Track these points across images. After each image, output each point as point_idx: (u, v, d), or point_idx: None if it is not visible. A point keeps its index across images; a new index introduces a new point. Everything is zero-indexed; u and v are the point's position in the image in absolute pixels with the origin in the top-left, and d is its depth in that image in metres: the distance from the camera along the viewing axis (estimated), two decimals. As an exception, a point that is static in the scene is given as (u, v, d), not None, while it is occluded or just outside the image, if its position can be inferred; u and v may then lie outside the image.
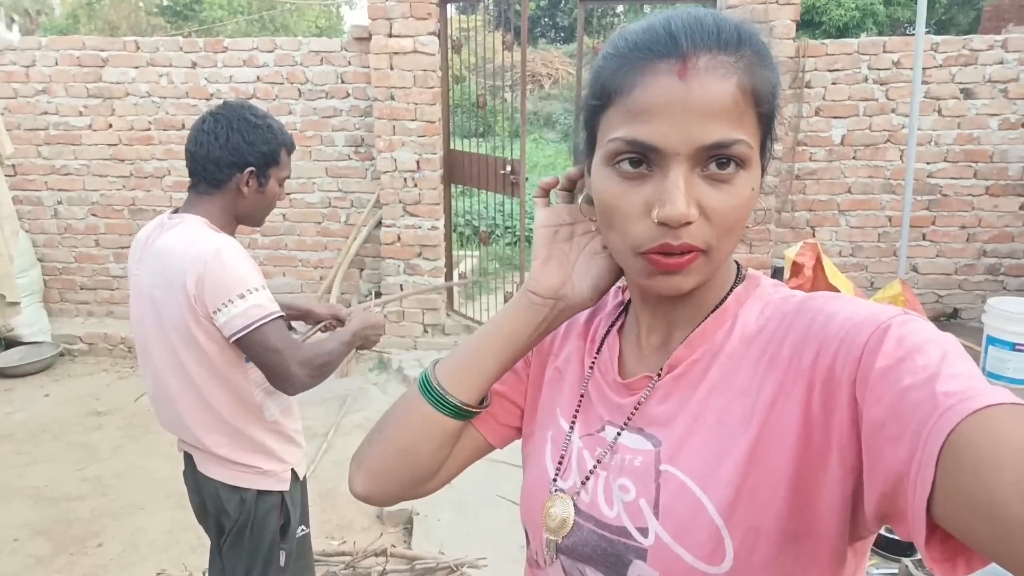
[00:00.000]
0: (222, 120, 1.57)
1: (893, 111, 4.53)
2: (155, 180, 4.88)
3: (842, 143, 4.61)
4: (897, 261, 4.00)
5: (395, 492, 0.78)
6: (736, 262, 0.72)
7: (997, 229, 4.65)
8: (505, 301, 4.66)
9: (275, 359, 1.49)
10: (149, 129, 4.79)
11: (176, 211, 1.62)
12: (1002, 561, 0.43)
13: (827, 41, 4.65)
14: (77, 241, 5.06)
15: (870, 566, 2.41)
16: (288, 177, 1.69)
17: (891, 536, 2.00)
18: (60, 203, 4.99)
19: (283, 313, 1.54)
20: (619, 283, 0.76)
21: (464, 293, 5.16)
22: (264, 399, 1.61)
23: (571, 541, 0.68)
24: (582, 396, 0.75)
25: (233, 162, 1.56)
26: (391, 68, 4.33)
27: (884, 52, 4.47)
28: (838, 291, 3.55)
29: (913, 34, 3.73)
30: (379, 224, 4.67)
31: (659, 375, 0.68)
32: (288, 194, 4.81)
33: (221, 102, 1.66)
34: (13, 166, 4.88)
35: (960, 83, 4.48)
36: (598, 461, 0.70)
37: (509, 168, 4.24)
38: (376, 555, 2.57)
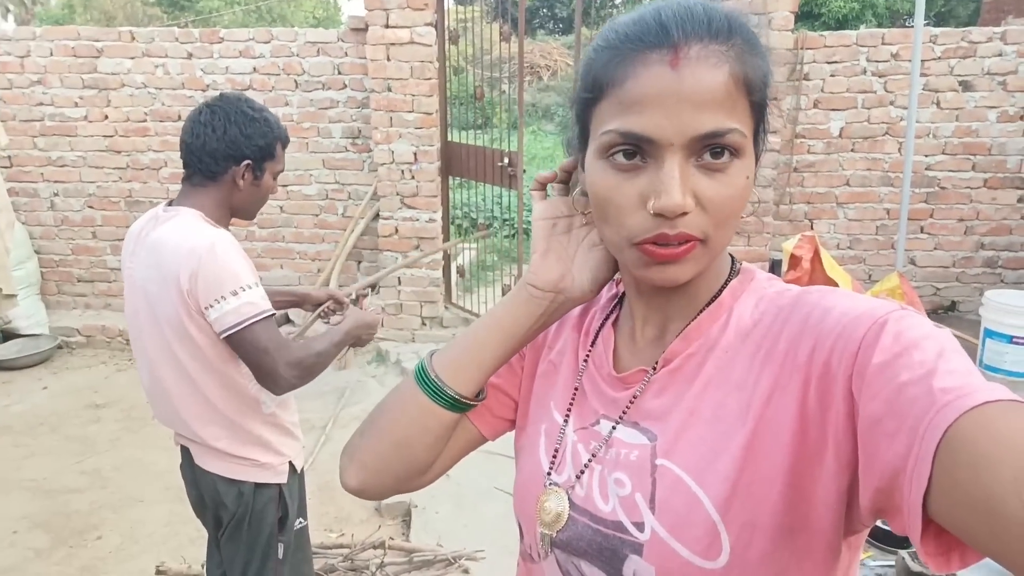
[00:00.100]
0: (219, 112, 1.56)
1: (891, 103, 4.52)
2: (151, 172, 4.86)
3: (840, 135, 4.60)
4: (895, 254, 4.00)
5: (389, 485, 0.78)
6: (731, 255, 0.72)
7: (995, 222, 4.65)
8: (503, 294, 4.66)
9: (263, 359, 1.49)
10: (145, 120, 4.77)
11: (171, 203, 1.62)
12: (997, 557, 0.43)
13: (825, 33, 4.64)
14: (74, 233, 5.05)
15: (867, 558, 2.42)
16: (282, 171, 1.68)
17: (888, 528, 2.01)
18: (56, 195, 4.98)
19: (275, 312, 1.54)
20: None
21: (462, 286, 5.15)
22: (259, 392, 1.60)
23: (566, 535, 0.68)
24: (576, 389, 0.75)
25: (230, 155, 1.56)
26: (388, 59, 4.31)
27: (883, 44, 4.46)
28: (836, 284, 3.55)
29: (912, 26, 3.72)
30: (376, 216, 4.66)
31: (654, 369, 0.68)
32: (285, 186, 4.80)
33: (217, 94, 1.65)
34: (9, 157, 4.86)
35: (959, 75, 4.47)
36: (593, 455, 0.70)
37: (507, 160, 4.22)
38: (374, 547, 2.58)
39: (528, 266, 0.73)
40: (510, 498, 0.79)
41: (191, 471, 1.68)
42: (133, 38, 4.69)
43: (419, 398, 0.73)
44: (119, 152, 4.85)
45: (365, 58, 4.40)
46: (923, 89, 4.42)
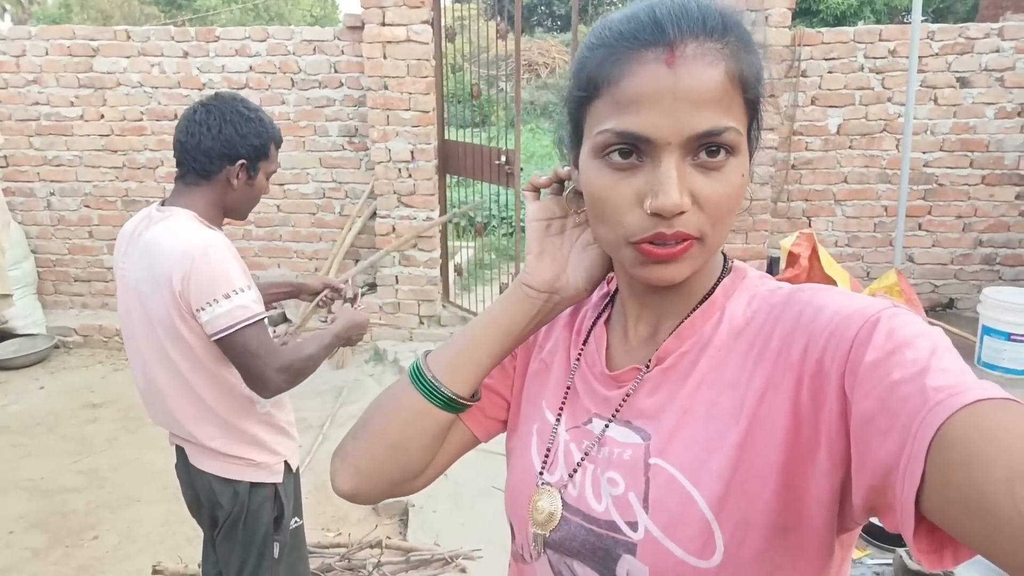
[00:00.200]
0: (214, 111, 1.55)
1: (889, 100, 4.51)
2: (148, 171, 4.85)
3: (838, 132, 4.60)
4: (893, 251, 4.00)
5: (383, 489, 0.77)
6: (723, 253, 0.72)
7: (993, 219, 4.64)
8: (501, 292, 4.66)
9: (253, 362, 1.49)
10: (141, 120, 4.76)
11: (164, 203, 1.61)
12: (989, 555, 0.42)
13: (823, 29, 4.63)
14: (71, 233, 5.04)
15: (864, 556, 2.42)
16: (275, 171, 1.68)
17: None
18: (53, 194, 4.97)
19: (266, 315, 1.54)
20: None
21: (460, 284, 5.14)
22: (252, 392, 1.60)
23: (558, 535, 0.68)
24: (568, 388, 0.74)
25: (225, 154, 1.55)
26: (384, 57, 4.30)
27: (880, 40, 4.45)
28: (834, 281, 3.55)
29: (910, 22, 3.71)
30: (374, 215, 4.65)
31: (647, 367, 0.68)
32: (282, 185, 4.79)
33: (212, 93, 1.64)
34: (5, 157, 4.85)
35: (956, 72, 4.46)
36: (585, 454, 0.69)
37: (504, 158, 4.22)
38: (371, 547, 2.57)
39: (523, 267, 0.73)
40: (505, 498, 0.78)
41: (186, 471, 1.68)
42: (129, 37, 4.68)
43: (414, 399, 0.72)
44: (115, 151, 4.84)
45: (361, 56, 4.39)
46: (921, 85, 4.41)
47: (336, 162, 4.77)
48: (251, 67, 4.65)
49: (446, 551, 2.54)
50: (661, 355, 0.67)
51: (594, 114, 0.61)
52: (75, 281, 5.14)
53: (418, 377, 0.72)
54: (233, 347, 1.48)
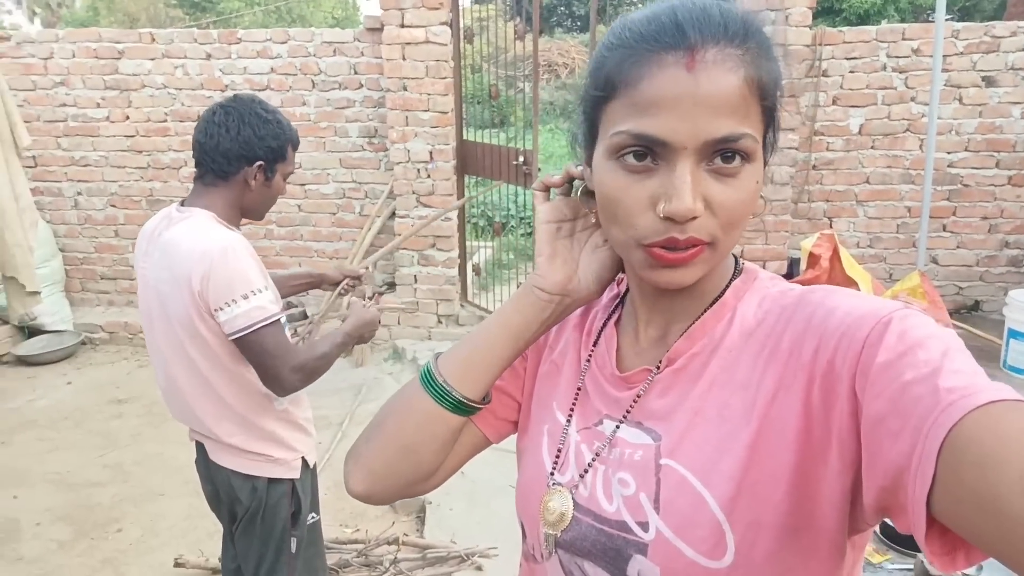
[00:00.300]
0: (233, 113, 1.58)
1: (912, 100, 4.45)
2: (172, 171, 4.93)
3: (860, 132, 4.54)
4: (916, 252, 3.95)
5: (395, 490, 0.77)
6: (734, 255, 0.71)
7: (1020, 220, 4.56)
8: (518, 292, 4.66)
9: (270, 362, 1.52)
10: (165, 121, 4.84)
11: (183, 203, 1.64)
12: (1003, 558, 0.42)
13: (844, 29, 4.58)
14: (97, 231, 5.13)
15: (884, 561, 2.39)
16: (292, 172, 1.70)
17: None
18: (80, 194, 5.06)
19: (283, 315, 1.56)
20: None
21: (478, 284, 5.16)
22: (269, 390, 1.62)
23: (569, 536, 0.68)
24: (579, 389, 0.75)
25: (242, 155, 1.58)
26: (404, 59, 4.32)
27: (903, 39, 4.39)
28: (855, 283, 3.51)
29: (934, 21, 3.66)
30: (393, 215, 4.68)
31: (658, 368, 0.68)
32: (303, 185, 4.84)
33: (231, 95, 1.67)
34: (33, 158, 4.95)
35: (981, 71, 4.39)
36: (596, 455, 0.70)
37: (522, 158, 4.23)
38: (388, 543, 2.59)
39: (535, 269, 0.73)
40: (519, 497, 0.79)
41: (206, 466, 1.71)
42: (153, 39, 4.76)
43: (425, 402, 0.72)
44: (140, 152, 4.92)
45: (381, 58, 4.42)
46: (945, 85, 4.35)
47: (356, 162, 4.81)
48: (272, 69, 4.70)
49: (462, 549, 2.55)
50: (672, 356, 0.67)
51: (610, 115, 0.61)
52: (101, 279, 5.23)
53: (429, 381, 0.73)
54: (251, 347, 1.51)
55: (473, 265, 5.09)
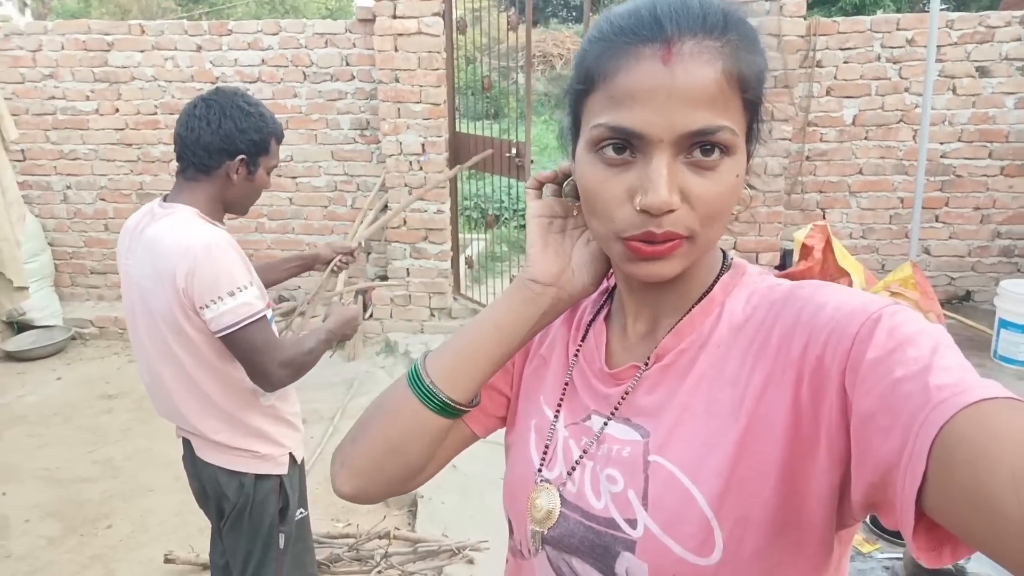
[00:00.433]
0: (214, 106, 1.55)
1: (906, 90, 4.44)
2: (162, 164, 4.89)
3: (853, 123, 4.54)
4: (909, 243, 3.95)
5: (384, 490, 0.76)
6: (722, 250, 0.71)
7: (1012, 210, 4.57)
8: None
9: (258, 358, 1.51)
10: (155, 113, 4.80)
11: (165, 198, 1.62)
12: (994, 555, 0.42)
13: (839, 19, 4.57)
14: (86, 226, 5.10)
15: (874, 550, 2.40)
16: (276, 166, 1.68)
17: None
18: (69, 188, 5.02)
19: (268, 312, 1.55)
20: None
21: (471, 276, 5.15)
22: (256, 386, 1.61)
23: (557, 532, 0.68)
24: (566, 384, 0.74)
25: (224, 149, 1.55)
26: (395, 50, 4.29)
27: (897, 30, 4.38)
28: (848, 274, 3.51)
29: (929, 11, 3.64)
30: (385, 207, 4.66)
31: (646, 365, 0.68)
32: (294, 178, 4.81)
33: (214, 87, 1.64)
34: (22, 151, 4.91)
35: (975, 61, 4.38)
36: (584, 451, 0.69)
37: (515, 150, 4.21)
38: (379, 537, 2.59)
39: (526, 263, 0.72)
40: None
41: (193, 463, 1.70)
42: (143, 31, 4.71)
43: (412, 404, 0.71)
44: (130, 145, 4.88)
45: (373, 49, 4.39)
46: (939, 75, 4.35)
47: (348, 155, 4.79)
48: (263, 60, 4.67)
49: (453, 542, 2.55)
50: (660, 352, 0.67)
51: (590, 108, 0.61)
52: (91, 273, 5.20)
53: (416, 382, 0.71)
54: (238, 343, 1.50)
55: (466, 258, 5.08)
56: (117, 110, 4.83)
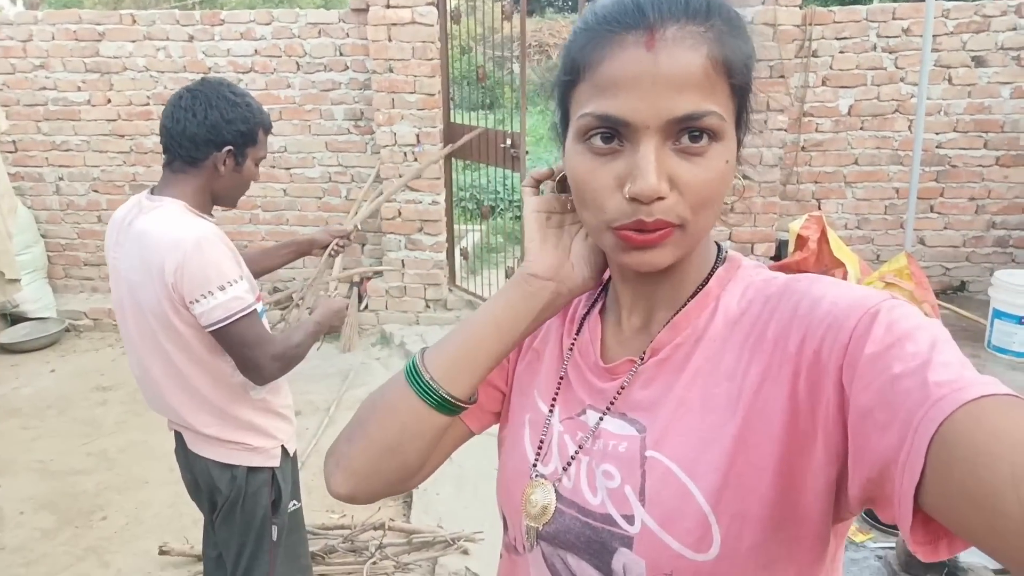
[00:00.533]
0: (200, 96, 1.53)
1: (902, 80, 4.43)
2: (155, 156, 4.85)
3: (849, 113, 4.53)
4: (904, 234, 3.95)
5: (380, 490, 0.74)
6: (716, 243, 0.71)
7: (1007, 200, 4.57)
8: (507, 276, 4.64)
9: (249, 352, 1.50)
10: (148, 104, 4.76)
11: (152, 190, 1.60)
12: (993, 552, 0.42)
13: (835, 8, 4.55)
14: (80, 217, 5.07)
15: (867, 540, 2.41)
16: (264, 158, 1.66)
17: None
18: (61, 179, 4.99)
19: (258, 305, 1.55)
20: None
21: (466, 268, 5.14)
22: (246, 379, 1.60)
23: (553, 528, 0.67)
24: (561, 378, 0.73)
25: (210, 140, 1.53)
26: (389, 40, 4.26)
27: (894, 19, 4.37)
28: (843, 265, 3.51)
29: (925, 0, 3.63)
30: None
31: (642, 359, 0.67)
32: (288, 169, 4.79)
33: (199, 78, 1.62)
34: (14, 142, 4.87)
35: (971, 51, 4.37)
36: (580, 446, 0.69)
37: (510, 141, 4.19)
38: (375, 528, 2.59)
39: (525, 258, 0.71)
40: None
41: (185, 456, 1.69)
42: (134, 21, 4.67)
43: (411, 401, 0.69)
44: (122, 136, 4.85)
45: (367, 39, 4.36)
46: (935, 65, 4.34)
47: (342, 146, 4.76)
48: (256, 51, 4.63)
49: (448, 533, 2.55)
50: (656, 347, 0.67)
51: (578, 98, 0.61)
52: (85, 265, 5.17)
53: (415, 378, 0.69)
54: (229, 338, 1.49)
55: (461, 249, 5.06)
56: (109, 101, 4.79)
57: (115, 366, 4.39)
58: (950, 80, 4.43)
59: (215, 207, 1.64)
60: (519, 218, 5.39)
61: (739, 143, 0.63)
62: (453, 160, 4.74)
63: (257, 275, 1.90)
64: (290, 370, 1.58)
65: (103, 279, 5.18)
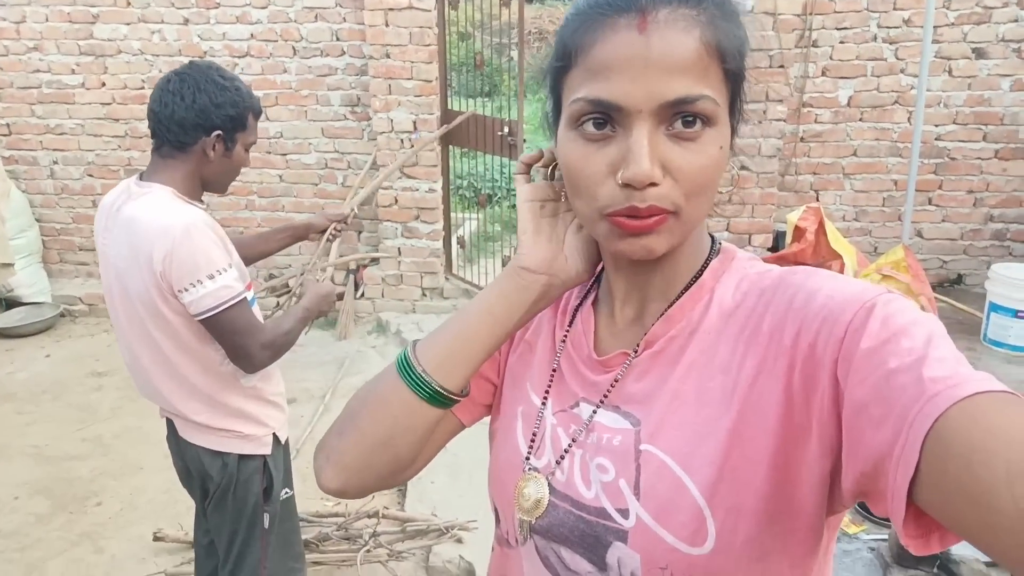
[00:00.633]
0: (188, 80, 1.51)
1: (902, 71, 4.41)
2: (150, 140, 4.81)
3: (848, 104, 4.51)
4: (902, 226, 3.95)
5: (371, 485, 0.73)
6: (711, 235, 0.70)
7: (1005, 194, 4.56)
8: (504, 265, 4.63)
9: (240, 341, 1.50)
10: (143, 88, 4.72)
11: (141, 176, 1.59)
12: (987, 548, 0.42)
13: (837, -2, 4.51)
14: (74, 201, 5.03)
15: (860, 532, 2.42)
16: (254, 143, 1.64)
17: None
18: (56, 163, 4.95)
19: (248, 294, 1.53)
20: None
21: (463, 256, 5.12)
22: (235, 368, 1.59)
23: (546, 522, 0.67)
24: (554, 371, 0.73)
25: (199, 124, 1.51)
26: (386, 25, 4.22)
27: (894, 9, 4.34)
28: (840, 256, 3.51)
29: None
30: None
31: (635, 352, 0.67)
32: (284, 155, 4.76)
33: (188, 61, 1.60)
34: (7, 125, 4.83)
35: (972, 42, 4.35)
36: (573, 439, 0.68)
37: (507, 129, 4.16)
38: (369, 517, 2.59)
39: (517, 249, 0.70)
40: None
41: (176, 443, 1.69)
42: (129, 3, 4.61)
43: (403, 393, 0.68)
44: (117, 120, 4.81)
45: (363, 24, 4.32)
46: (935, 56, 4.31)
47: (338, 132, 4.73)
48: (252, 35, 4.58)
49: (442, 522, 2.56)
50: (650, 339, 0.66)
51: (570, 84, 0.60)
52: (80, 250, 5.15)
53: (408, 372, 0.68)
54: (220, 326, 1.48)
55: (458, 237, 5.05)
56: (104, 84, 4.74)
57: (110, 351, 4.38)
58: (950, 72, 4.41)
59: (205, 193, 1.62)
60: (515, 207, 5.37)
61: (733, 131, 0.62)
62: (450, 148, 4.71)
63: (253, 260, 1.89)
64: (280, 357, 1.57)
65: (98, 264, 5.15)
